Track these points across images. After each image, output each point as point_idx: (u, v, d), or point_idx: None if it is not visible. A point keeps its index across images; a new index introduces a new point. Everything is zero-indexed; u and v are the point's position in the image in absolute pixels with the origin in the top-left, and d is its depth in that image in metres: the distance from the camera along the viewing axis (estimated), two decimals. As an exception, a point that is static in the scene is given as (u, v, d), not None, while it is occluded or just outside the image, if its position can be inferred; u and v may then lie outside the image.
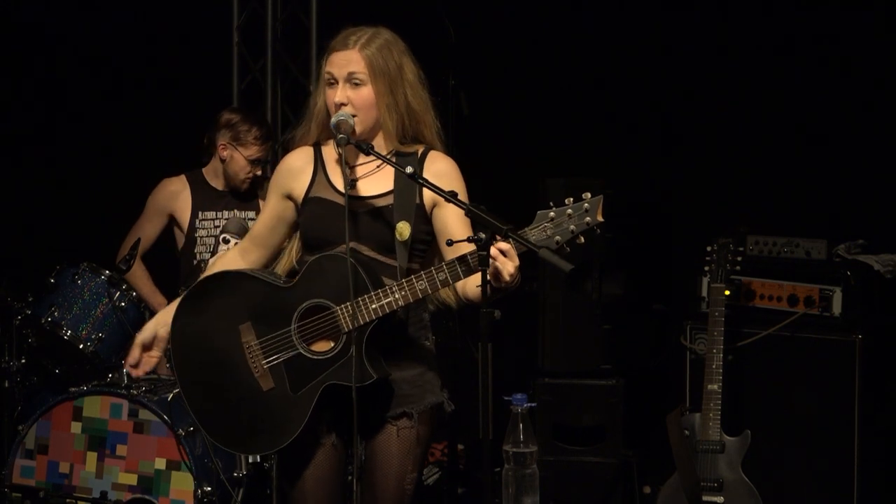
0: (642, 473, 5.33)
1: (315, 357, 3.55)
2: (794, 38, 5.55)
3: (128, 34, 6.19)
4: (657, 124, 5.75)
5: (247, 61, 6.34)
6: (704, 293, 5.01)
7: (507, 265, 3.30)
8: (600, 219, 3.31)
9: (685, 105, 5.71)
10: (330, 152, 3.68)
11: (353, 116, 3.56)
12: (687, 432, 4.81)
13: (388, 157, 3.60)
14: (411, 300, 3.45)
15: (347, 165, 3.65)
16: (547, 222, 3.33)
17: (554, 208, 3.33)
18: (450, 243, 3.47)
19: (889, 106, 5.36)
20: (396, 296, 3.45)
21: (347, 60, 3.57)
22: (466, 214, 3.35)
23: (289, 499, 3.71)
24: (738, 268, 4.86)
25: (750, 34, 5.62)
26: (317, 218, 3.62)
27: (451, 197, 3.41)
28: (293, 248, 3.75)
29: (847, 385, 4.83)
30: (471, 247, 3.35)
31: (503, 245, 3.30)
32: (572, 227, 3.31)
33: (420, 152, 3.65)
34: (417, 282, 3.44)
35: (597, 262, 5.19)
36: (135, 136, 6.24)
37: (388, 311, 3.47)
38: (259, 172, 5.47)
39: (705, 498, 4.76)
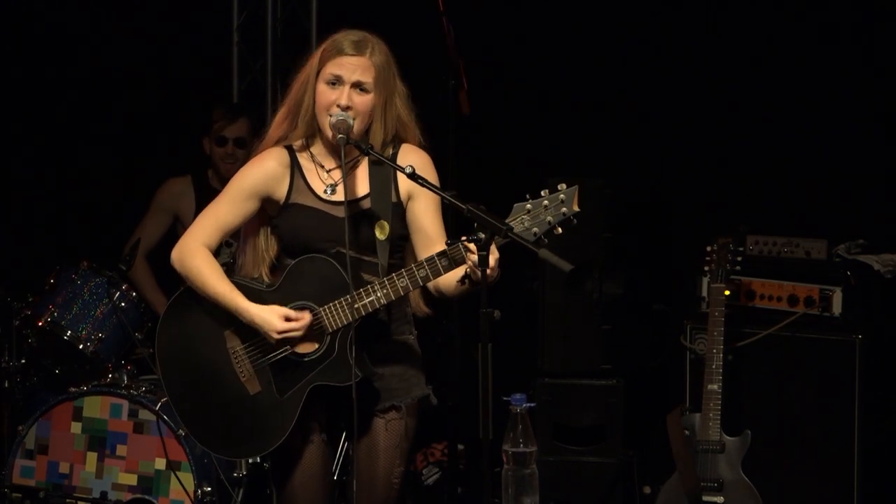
0: (642, 473, 5.32)
1: (301, 359, 3.55)
2: (794, 39, 5.54)
3: (128, 34, 6.18)
4: (657, 124, 5.74)
5: (247, 61, 6.33)
6: (704, 293, 5.01)
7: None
8: (576, 209, 3.30)
9: (685, 105, 5.70)
10: (306, 155, 3.67)
11: (353, 119, 3.57)
12: (687, 432, 4.81)
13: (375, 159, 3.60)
14: (393, 298, 3.48)
15: (324, 170, 3.66)
16: (524, 214, 3.33)
17: (530, 200, 3.33)
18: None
19: (889, 106, 5.36)
20: (379, 294, 3.47)
21: (359, 67, 3.58)
22: (465, 214, 3.34)
23: (280, 497, 3.71)
24: (738, 268, 4.86)
25: (750, 34, 5.62)
26: (299, 225, 3.61)
27: (450, 198, 3.42)
28: (270, 248, 3.70)
29: (847, 385, 4.83)
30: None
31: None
32: (549, 218, 3.30)
33: (392, 151, 3.66)
34: (399, 279, 3.46)
35: (597, 262, 5.18)
36: (135, 136, 6.24)
37: (370, 309, 3.49)
38: (231, 151, 5.48)
39: (705, 498, 4.76)
